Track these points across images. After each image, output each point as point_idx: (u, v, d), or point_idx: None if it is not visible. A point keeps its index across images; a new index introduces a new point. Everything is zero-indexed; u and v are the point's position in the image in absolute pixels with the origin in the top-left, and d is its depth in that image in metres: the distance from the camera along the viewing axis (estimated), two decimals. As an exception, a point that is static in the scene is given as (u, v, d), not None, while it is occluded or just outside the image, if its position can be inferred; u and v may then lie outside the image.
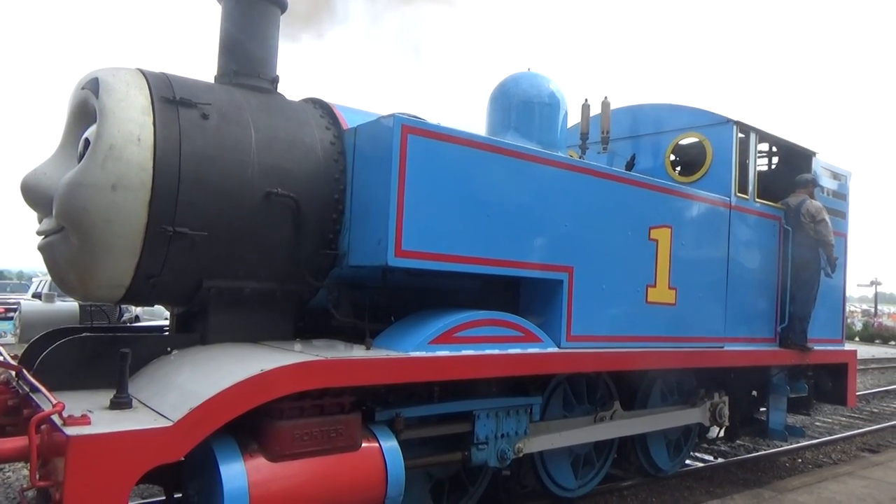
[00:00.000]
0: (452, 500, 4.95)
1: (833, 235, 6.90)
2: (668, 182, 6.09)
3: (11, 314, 21.11)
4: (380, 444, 3.87)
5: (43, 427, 2.99)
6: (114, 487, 2.86)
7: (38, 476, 2.89)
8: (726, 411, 6.79)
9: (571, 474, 5.73)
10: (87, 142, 3.78)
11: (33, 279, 27.00)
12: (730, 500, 5.83)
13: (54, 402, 2.93)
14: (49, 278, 20.98)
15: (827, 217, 6.88)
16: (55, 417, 2.90)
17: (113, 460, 2.85)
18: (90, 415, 2.96)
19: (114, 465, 2.85)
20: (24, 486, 3.07)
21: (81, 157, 3.78)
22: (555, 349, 4.80)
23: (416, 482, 4.57)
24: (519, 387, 4.86)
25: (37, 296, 20.41)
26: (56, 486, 2.85)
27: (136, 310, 12.26)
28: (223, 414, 3.19)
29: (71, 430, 2.79)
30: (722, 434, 7.79)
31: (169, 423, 3.04)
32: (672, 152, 6.85)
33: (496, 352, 4.41)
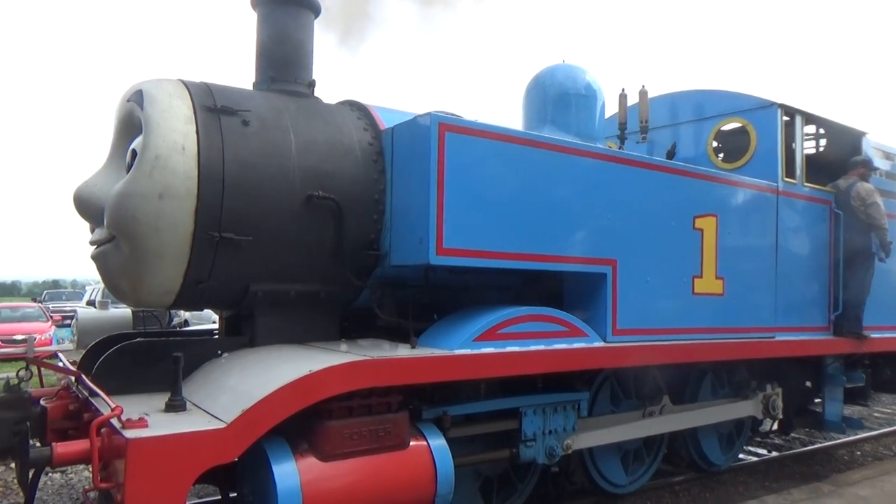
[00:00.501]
0: (501, 498, 4.93)
1: (886, 218, 6.65)
2: (711, 169, 5.95)
3: (68, 321, 21.93)
4: (428, 443, 3.88)
5: (103, 430, 3.08)
6: (172, 488, 2.93)
7: (99, 478, 2.98)
8: (780, 403, 6.60)
9: (622, 470, 5.66)
10: (134, 153, 3.89)
11: (87, 287, 27.97)
12: (787, 495, 5.67)
13: (113, 405, 3.01)
14: (102, 286, 21.72)
15: (879, 200, 6.62)
16: (114, 421, 2.99)
17: (170, 461, 2.92)
18: (147, 418, 3.04)
19: (171, 466, 2.93)
20: (87, 487, 3.17)
21: (129, 167, 3.89)
22: (601, 344, 4.74)
23: (465, 480, 4.57)
24: (565, 383, 4.81)
25: (90, 303, 21.15)
26: (117, 488, 2.94)
27: (185, 314, 12.58)
28: (274, 415, 3.24)
29: (129, 433, 2.87)
30: (776, 427, 7.58)
31: (222, 425, 3.10)
32: (714, 139, 6.69)
33: (541, 347, 4.37)
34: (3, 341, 17.69)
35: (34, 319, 20.32)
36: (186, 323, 11.80)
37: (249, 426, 3.17)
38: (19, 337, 17.06)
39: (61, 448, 3.10)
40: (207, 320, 13.00)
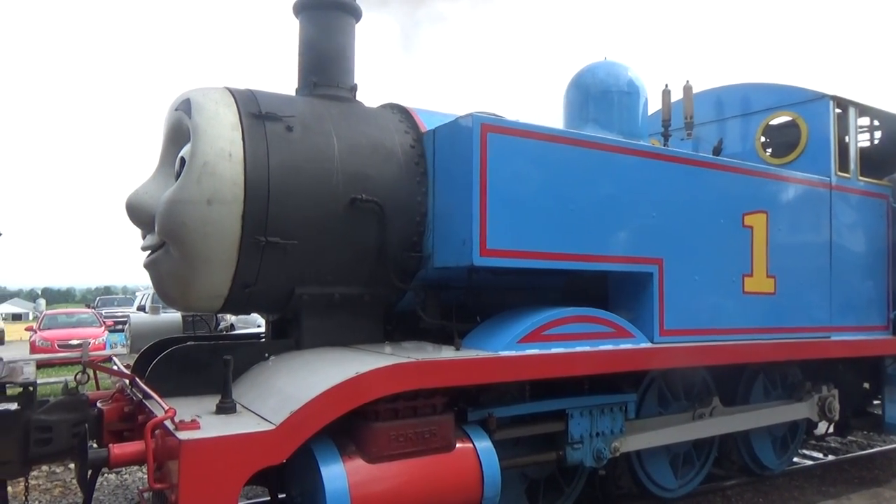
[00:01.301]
0: (548, 501, 4.87)
1: (948, 212, 6.36)
2: (760, 165, 5.78)
3: (120, 326, 22.64)
4: (474, 445, 3.86)
5: (157, 432, 3.15)
6: (224, 488, 2.99)
7: (154, 478, 3.05)
8: (836, 405, 6.36)
9: (671, 473, 5.53)
10: (182, 160, 3.98)
11: (137, 293, 28.84)
12: (846, 501, 5.48)
13: (166, 408, 3.08)
14: (152, 292, 22.37)
15: (941, 193, 6.34)
16: (168, 422, 3.05)
17: (222, 462, 2.97)
18: (199, 419, 3.10)
19: (223, 467, 2.98)
20: (142, 487, 3.25)
21: (178, 175, 3.98)
22: (648, 344, 4.65)
23: (512, 483, 4.53)
24: (611, 384, 4.73)
25: (141, 308, 21.79)
26: (171, 488, 3.00)
27: (231, 318, 12.84)
28: (322, 416, 3.27)
29: (183, 435, 2.93)
30: (832, 430, 7.32)
31: (272, 427, 3.14)
32: (762, 133, 6.51)
33: (587, 349, 4.31)
34: (60, 346, 18.37)
35: (88, 325, 21.06)
36: (233, 327, 12.05)
37: (298, 428, 3.20)
38: (75, 342, 17.69)
39: (118, 449, 3.18)
40: (253, 324, 13.25)
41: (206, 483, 2.93)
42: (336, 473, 3.36)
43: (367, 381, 3.42)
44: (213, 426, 3.11)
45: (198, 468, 2.91)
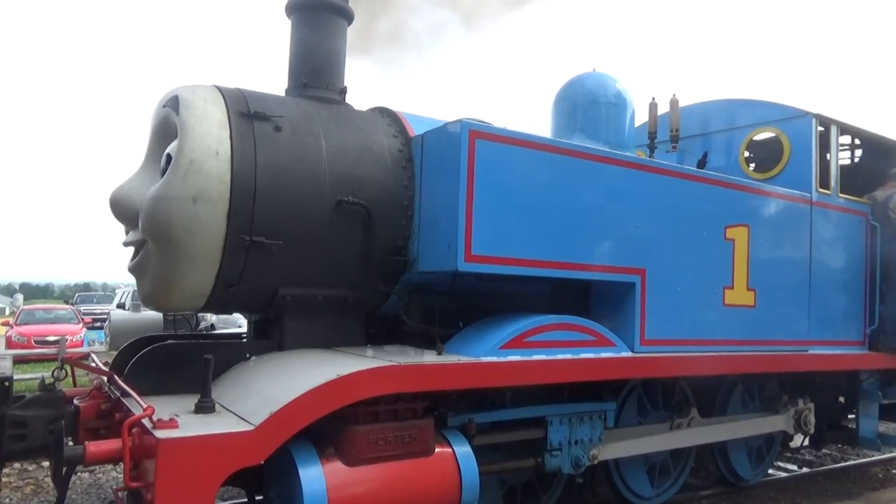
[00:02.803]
0: (526, 507, 4.89)
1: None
2: (743, 179, 5.86)
3: (98, 324, 22.35)
4: (453, 450, 3.86)
5: (134, 430, 3.12)
6: (201, 488, 2.96)
7: (130, 477, 3.02)
8: (812, 419, 6.45)
9: (648, 482, 5.57)
10: (168, 157, 3.96)
11: (117, 290, 28.48)
12: (819, 512, 5.54)
13: (144, 406, 3.05)
14: (132, 289, 22.15)
15: (919, 211, 6.47)
16: (145, 421, 3.03)
17: (200, 462, 2.95)
18: (177, 418, 3.08)
19: (200, 466, 2.96)
20: (117, 486, 3.21)
21: (164, 171, 3.96)
22: (628, 354, 4.68)
23: (490, 488, 4.54)
24: (590, 392, 4.76)
25: (121, 306, 21.55)
26: (147, 487, 2.97)
27: (212, 318, 12.74)
28: (302, 418, 3.26)
29: (160, 434, 2.91)
30: (807, 442, 7.41)
31: (251, 427, 3.13)
32: (746, 148, 6.60)
33: (568, 357, 4.33)
34: (36, 342, 18.09)
35: (66, 321, 20.77)
36: (213, 327, 11.94)
37: (277, 429, 3.19)
38: (52, 338, 17.44)
39: (93, 447, 3.14)
40: (234, 324, 13.15)
41: (183, 482, 2.90)
42: (314, 475, 3.35)
43: (349, 384, 3.41)
44: (192, 425, 3.08)
45: (175, 467, 2.88)
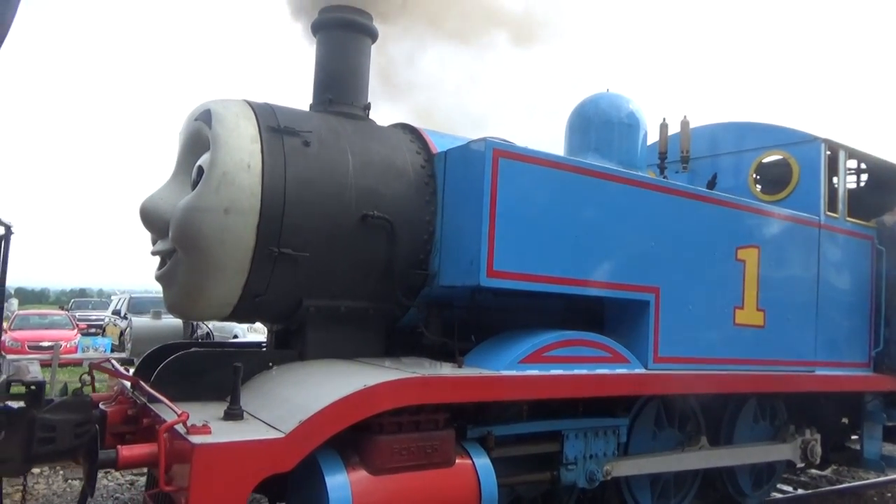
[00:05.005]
0: (538, 521, 4.93)
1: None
2: (754, 201, 5.98)
3: (94, 330, 22.27)
4: (473, 461, 3.92)
5: (166, 435, 3.18)
6: (234, 494, 3.02)
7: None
8: (818, 450, 6.42)
9: (655, 499, 5.61)
10: (200, 169, 4.05)
11: (113, 296, 28.43)
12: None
13: (178, 412, 3.12)
14: (127, 296, 22.10)
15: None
16: (179, 426, 3.09)
17: (233, 468, 3.02)
18: (210, 424, 3.14)
19: (233, 472, 3.02)
20: (148, 490, 3.26)
21: (195, 183, 4.04)
22: (643, 370, 4.76)
23: (502, 500, 4.58)
24: (604, 408, 4.83)
25: (116, 313, 21.53)
26: (180, 492, 3.03)
27: (208, 326, 12.74)
28: (331, 426, 3.33)
29: (196, 439, 2.98)
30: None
31: (281, 435, 3.19)
32: (755, 171, 6.72)
33: (585, 372, 4.41)
34: (30, 347, 18.03)
35: (61, 327, 20.69)
36: (209, 335, 11.93)
37: (306, 437, 3.26)
38: (46, 343, 17.37)
39: (126, 451, 3.22)
40: (230, 333, 13.15)
41: (217, 488, 2.96)
42: (340, 483, 3.41)
43: (375, 395, 3.49)
44: (224, 432, 3.15)
45: (209, 472, 2.95)
